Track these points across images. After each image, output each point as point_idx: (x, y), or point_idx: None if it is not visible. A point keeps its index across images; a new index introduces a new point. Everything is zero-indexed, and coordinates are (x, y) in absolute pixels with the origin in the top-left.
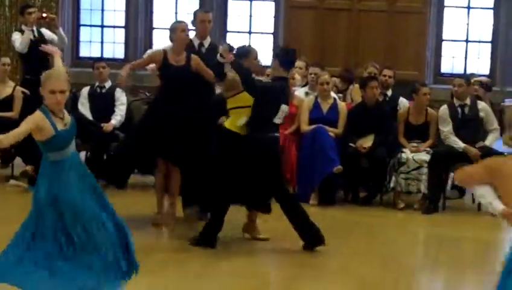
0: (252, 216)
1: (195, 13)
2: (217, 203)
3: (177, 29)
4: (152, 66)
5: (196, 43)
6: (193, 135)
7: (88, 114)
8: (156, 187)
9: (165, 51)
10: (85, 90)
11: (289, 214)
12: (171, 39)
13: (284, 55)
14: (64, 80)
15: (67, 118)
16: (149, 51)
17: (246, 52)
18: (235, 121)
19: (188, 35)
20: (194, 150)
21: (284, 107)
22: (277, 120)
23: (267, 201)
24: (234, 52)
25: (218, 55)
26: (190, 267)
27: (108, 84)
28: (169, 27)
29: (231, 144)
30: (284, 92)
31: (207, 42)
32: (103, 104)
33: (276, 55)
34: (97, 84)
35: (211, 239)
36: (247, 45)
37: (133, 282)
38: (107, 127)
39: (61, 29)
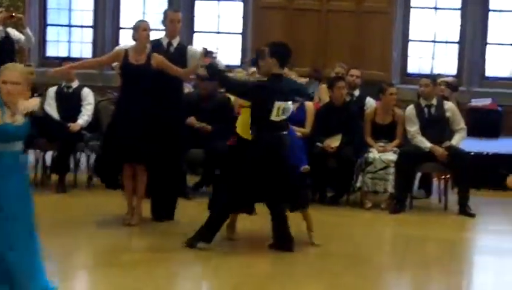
0: (233, 217)
1: (165, 12)
2: (221, 206)
3: (139, 28)
4: (116, 64)
5: (165, 42)
6: (158, 133)
7: (55, 114)
8: (124, 189)
9: (126, 50)
10: (52, 90)
11: (273, 213)
12: (134, 38)
13: (278, 52)
14: (20, 73)
15: (20, 117)
16: (116, 48)
17: (260, 52)
18: (243, 122)
19: (149, 34)
20: (159, 148)
21: (279, 104)
22: (275, 118)
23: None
24: (213, 55)
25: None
26: (162, 267)
27: (75, 84)
28: (132, 26)
29: (240, 148)
30: (279, 88)
31: (176, 42)
32: (70, 104)
33: (272, 53)
34: (64, 84)
35: (208, 236)
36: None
37: (103, 282)
38: (74, 127)
39: (28, 29)
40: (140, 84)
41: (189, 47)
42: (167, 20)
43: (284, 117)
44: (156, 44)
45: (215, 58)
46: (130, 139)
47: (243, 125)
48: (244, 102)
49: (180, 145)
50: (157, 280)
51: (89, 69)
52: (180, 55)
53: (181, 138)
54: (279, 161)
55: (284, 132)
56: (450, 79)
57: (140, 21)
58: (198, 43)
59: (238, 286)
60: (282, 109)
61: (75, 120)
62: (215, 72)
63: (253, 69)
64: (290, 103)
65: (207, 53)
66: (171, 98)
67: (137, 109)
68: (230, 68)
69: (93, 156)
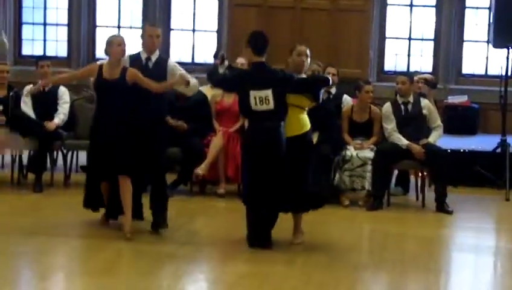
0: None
1: (143, 27)
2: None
3: (113, 44)
4: (91, 79)
5: (143, 57)
6: (138, 144)
7: (31, 113)
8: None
9: (100, 65)
10: (28, 89)
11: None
12: (107, 52)
13: (251, 40)
14: None
15: None
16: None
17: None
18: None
19: (124, 49)
20: (139, 158)
21: (255, 93)
22: (255, 107)
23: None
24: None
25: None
26: (137, 265)
27: None
28: (106, 40)
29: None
30: (254, 77)
31: (155, 56)
32: (46, 102)
33: (248, 42)
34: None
35: (266, 237)
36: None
37: (79, 282)
38: (50, 125)
39: (3, 34)
40: (115, 99)
41: (169, 62)
42: (145, 34)
43: (265, 107)
44: (134, 59)
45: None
46: (109, 153)
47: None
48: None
49: (160, 153)
50: (133, 278)
51: (64, 83)
52: (159, 70)
53: (162, 144)
54: (267, 154)
55: (271, 123)
56: (428, 76)
57: (114, 36)
58: (174, 41)
59: (209, 284)
60: (259, 98)
61: (51, 119)
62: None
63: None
64: (269, 91)
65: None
66: (152, 108)
67: (113, 123)
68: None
69: (69, 155)
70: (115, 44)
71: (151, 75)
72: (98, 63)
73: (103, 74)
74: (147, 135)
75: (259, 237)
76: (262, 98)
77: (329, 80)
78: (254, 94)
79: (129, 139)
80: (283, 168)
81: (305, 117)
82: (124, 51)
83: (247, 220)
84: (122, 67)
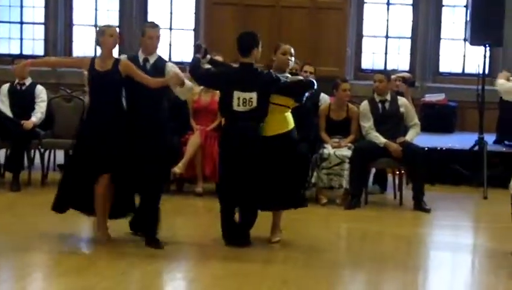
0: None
1: (143, 29)
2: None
3: (105, 33)
4: (84, 72)
5: (141, 58)
6: (132, 140)
7: (7, 111)
8: (99, 204)
9: (93, 58)
10: (5, 88)
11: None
12: (97, 43)
13: (237, 41)
14: None
15: None
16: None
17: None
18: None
19: (116, 40)
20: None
21: (238, 94)
22: (237, 108)
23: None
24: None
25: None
26: (117, 266)
27: (28, 81)
28: (97, 29)
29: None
30: (239, 78)
31: (153, 58)
32: (23, 101)
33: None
34: (17, 81)
35: (243, 235)
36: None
37: (56, 282)
38: (27, 124)
39: None
40: (107, 92)
41: (167, 63)
42: (145, 36)
43: (247, 108)
44: (131, 59)
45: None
46: (99, 149)
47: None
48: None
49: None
50: (112, 278)
51: (51, 66)
52: (156, 72)
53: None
54: (243, 153)
55: (248, 124)
56: (406, 74)
57: (106, 26)
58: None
59: (187, 284)
60: (242, 99)
61: (28, 117)
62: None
63: None
64: (254, 94)
65: (201, 49)
66: (151, 111)
67: (105, 117)
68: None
69: (47, 154)
70: (107, 34)
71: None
72: (91, 56)
73: (95, 65)
74: (144, 143)
75: (234, 235)
76: (246, 100)
77: (314, 84)
78: (238, 95)
79: (120, 135)
80: (259, 168)
81: (289, 115)
82: (116, 42)
83: (221, 218)
84: (114, 59)
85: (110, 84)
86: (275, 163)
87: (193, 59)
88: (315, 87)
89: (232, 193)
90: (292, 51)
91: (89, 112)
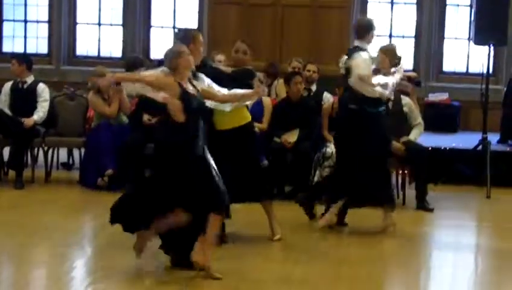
0: None
1: (193, 35)
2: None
3: (183, 54)
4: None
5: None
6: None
7: (6, 110)
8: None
9: (174, 78)
10: (7, 86)
11: None
12: (172, 67)
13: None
14: None
15: None
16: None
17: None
18: None
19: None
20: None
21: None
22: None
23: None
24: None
25: None
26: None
27: (30, 79)
28: (168, 53)
29: None
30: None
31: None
32: (25, 99)
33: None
34: (19, 79)
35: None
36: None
37: (59, 280)
38: (28, 122)
39: None
40: (199, 119)
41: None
42: (196, 43)
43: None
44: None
45: None
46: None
47: None
48: None
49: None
50: (115, 275)
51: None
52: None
53: None
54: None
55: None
56: (412, 74)
57: (178, 46)
58: (154, 39)
59: (192, 280)
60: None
61: (30, 116)
62: None
63: None
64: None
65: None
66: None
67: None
68: None
69: (50, 152)
70: (186, 53)
71: None
72: (165, 73)
73: (185, 87)
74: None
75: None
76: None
77: (254, 73)
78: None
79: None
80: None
81: (244, 109)
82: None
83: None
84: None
85: (204, 111)
86: (238, 156)
87: None
88: (256, 75)
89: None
90: (245, 47)
91: (187, 140)
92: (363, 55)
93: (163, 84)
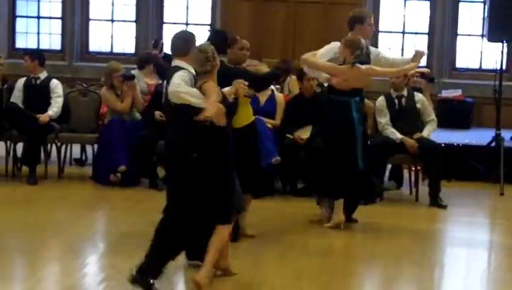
0: None
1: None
2: None
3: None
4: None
5: None
6: None
7: (20, 106)
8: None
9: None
10: (20, 82)
11: None
12: (206, 67)
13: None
14: None
15: None
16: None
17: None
18: None
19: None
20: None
21: None
22: None
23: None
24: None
25: None
26: (133, 256)
27: (43, 75)
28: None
29: None
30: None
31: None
32: (38, 95)
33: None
34: (32, 75)
35: None
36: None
37: (72, 275)
38: (43, 118)
39: None
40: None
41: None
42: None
43: None
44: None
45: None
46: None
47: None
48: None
49: None
50: (125, 271)
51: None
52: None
53: None
54: None
55: None
56: (425, 70)
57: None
58: (167, 35)
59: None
60: None
61: (43, 112)
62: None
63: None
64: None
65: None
66: None
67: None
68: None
69: (63, 148)
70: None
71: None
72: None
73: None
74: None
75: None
76: None
77: (279, 75)
78: None
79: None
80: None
81: (250, 107)
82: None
83: None
84: None
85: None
86: (246, 153)
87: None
88: (280, 77)
89: None
90: (248, 44)
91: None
92: (332, 44)
93: None
